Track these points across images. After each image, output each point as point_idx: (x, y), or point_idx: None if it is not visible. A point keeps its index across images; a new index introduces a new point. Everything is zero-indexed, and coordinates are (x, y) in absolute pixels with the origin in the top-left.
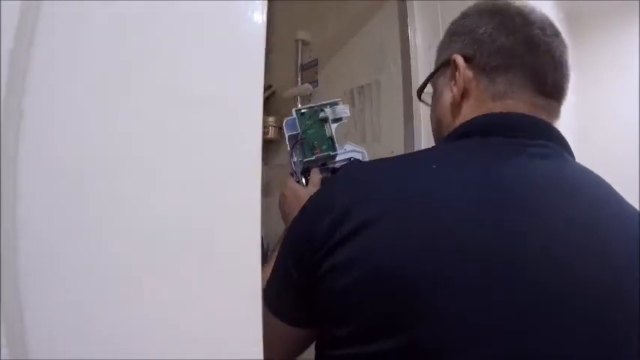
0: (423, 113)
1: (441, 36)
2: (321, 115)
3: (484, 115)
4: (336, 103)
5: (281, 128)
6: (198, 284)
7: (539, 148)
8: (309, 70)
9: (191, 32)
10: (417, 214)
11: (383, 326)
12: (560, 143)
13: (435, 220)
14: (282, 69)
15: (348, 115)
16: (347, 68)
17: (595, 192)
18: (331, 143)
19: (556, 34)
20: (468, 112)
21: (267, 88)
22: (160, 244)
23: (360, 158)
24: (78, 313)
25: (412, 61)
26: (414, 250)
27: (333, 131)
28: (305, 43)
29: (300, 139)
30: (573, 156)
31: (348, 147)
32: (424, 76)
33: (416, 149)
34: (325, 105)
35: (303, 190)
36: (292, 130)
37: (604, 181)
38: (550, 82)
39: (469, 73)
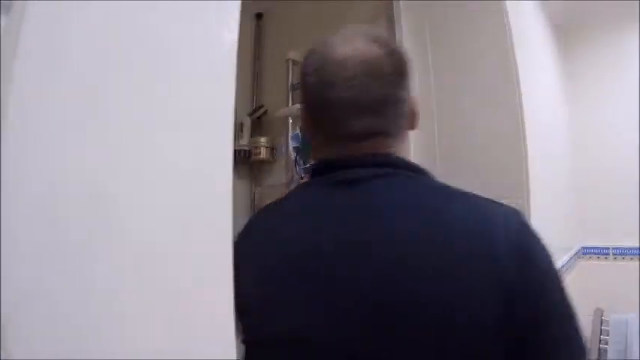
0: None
1: (430, 55)
2: None
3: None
4: None
5: (273, 149)
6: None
7: (353, 174)
8: (299, 91)
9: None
10: (262, 252)
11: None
12: (396, 166)
13: (274, 255)
14: (274, 89)
15: None
16: None
17: (431, 206)
18: None
19: (357, 74)
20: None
21: (258, 108)
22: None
23: None
24: None
25: None
26: (257, 279)
27: None
28: (295, 62)
29: (300, 150)
30: (421, 173)
31: None
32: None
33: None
34: None
35: None
36: (296, 143)
37: (454, 192)
38: (351, 131)
39: None
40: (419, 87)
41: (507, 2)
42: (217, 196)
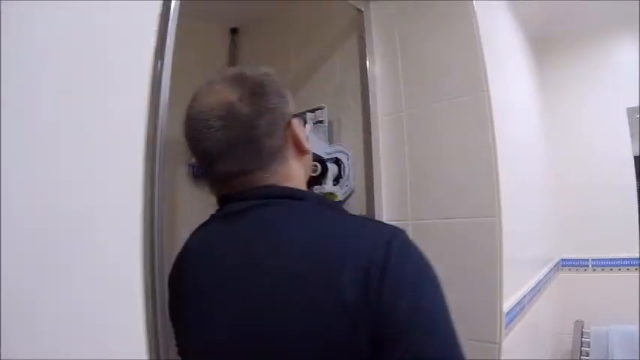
0: (382, 149)
1: (400, 67)
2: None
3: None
4: (320, 108)
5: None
6: None
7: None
8: None
9: None
10: (177, 276)
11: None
12: (274, 196)
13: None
14: None
15: (324, 118)
16: (310, 106)
17: (286, 230)
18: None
19: (215, 118)
20: None
21: None
22: None
23: (345, 159)
24: None
25: (371, 98)
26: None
27: (307, 133)
28: None
29: None
30: (301, 199)
31: (337, 147)
32: (384, 113)
33: (375, 183)
34: (311, 110)
35: None
36: None
37: (323, 218)
38: (225, 172)
39: None
40: (390, 98)
41: (478, 14)
42: None
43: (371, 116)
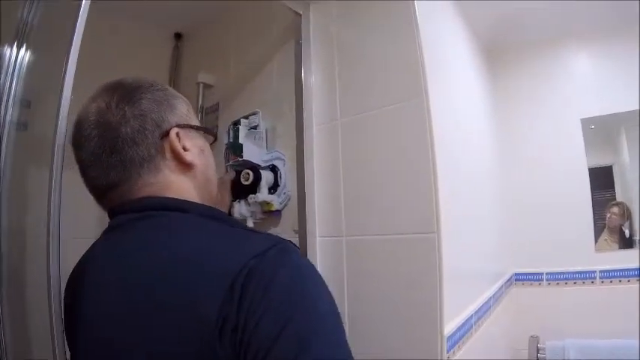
0: (316, 160)
1: (337, 78)
2: (238, 126)
3: None
4: (254, 113)
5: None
6: None
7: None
8: (211, 115)
9: None
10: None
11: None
12: (152, 208)
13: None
14: None
15: (258, 123)
16: (248, 113)
17: (155, 249)
18: (240, 150)
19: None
20: None
21: None
22: None
23: (281, 165)
24: None
25: (305, 106)
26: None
27: (241, 139)
28: (206, 86)
29: (225, 150)
30: (178, 210)
31: (275, 154)
32: (318, 121)
33: (307, 196)
34: (245, 117)
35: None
36: (227, 140)
37: (190, 231)
38: (98, 185)
39: None
40: (325, 106)
41: (421, 21)
42: None
43: (304, 125)
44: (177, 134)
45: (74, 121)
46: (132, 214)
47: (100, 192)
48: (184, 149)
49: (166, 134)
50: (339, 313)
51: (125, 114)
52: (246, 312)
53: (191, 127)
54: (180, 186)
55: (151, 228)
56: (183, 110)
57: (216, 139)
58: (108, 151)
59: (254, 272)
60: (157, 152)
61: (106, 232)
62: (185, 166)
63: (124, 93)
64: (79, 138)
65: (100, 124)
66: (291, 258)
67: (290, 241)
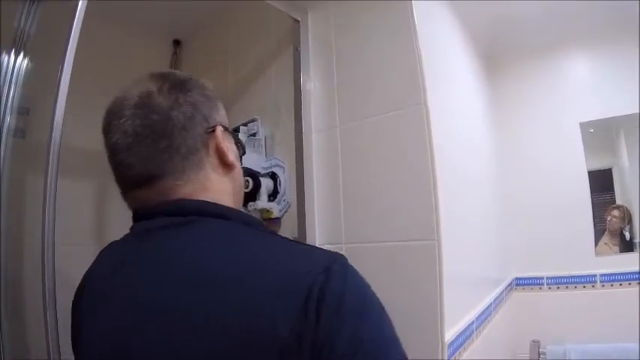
0: (315, 168)
1: (336, 85)
2: (237, 133)
3: None
4: (253, 120)
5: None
6: None
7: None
8: None
9: None
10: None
11: None
12: (188, 213)
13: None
14: None
15: (257, 130)
16: (246, 120)
17: (205, 263)
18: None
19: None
20: None
21: None
22: None
23: (281, 172)
24: None
25: (304, 113)
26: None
27: (239, 153)
28: None
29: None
30: (223, 217)
31: (274, 161)
32: (317, 128)
33: (307, 204)
34: (245, 124)
35: None
36: None
37: (245, 244)
38: (131, 176)
39: None
40: (324, 113)
41: (419, 27)
42: None
43: (303, 132)
44: (222, 133)
45: (109, 107)
46: (168, 219)
47: (135, 184)
48: (227, 149)
49: (213, 130)
50: (397, 335)
51: (178, 99)
52: (323, 330)
53: (230, 132)
54: (219, 187)
55: (197, 237)
56: (224, 114)
57: (244, 152)
58: (156, 134)
59: (325, 289)
60: (203, 146)
61: (133, 238)
62: (226, 166)
63: (177, 81)
64: (113, 121)
65: (147, 105)
66: (355, 275)
67: (342, 254)
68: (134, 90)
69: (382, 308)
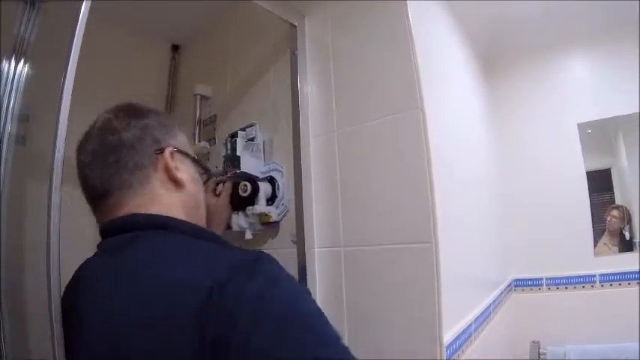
0: (313, 172)
1: (334, 90)
2: (235, 138)
3: None
4: (252, 125)
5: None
6: None
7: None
8: (209, 127)
9: None
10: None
11: None
12: (141, 228)
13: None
14: (184, 124)
15: (255, 135)
16: (244, 125)
17: (143, 271)
18: (238, 162)
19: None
20: None
21: None
22: None
23: (280, 177)
24: None
25: (302, 118)
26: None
27: (238, 151)
28: (204, 97)
29: (223, 162)
30: (165, 228)
31: (272, 165)
32: (315, 133)
33: (305, 208)
34: (243, 129)
35: (211, 199)
36: (224, 152)
37: (173, 252)
38: (91, 190)
39: None
40: (321, 118)
41: (415, 31)
42: None
43: (301, 137)
44: (172, 154)
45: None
46: (120, 237)
47: (95, 197)
48: (176, 169)
49: (162, 151)
50: (320, 311)
51: (130, 123)
52: (226, 321)
53: (187, 155)
54: (168, 202)
55: (136, 251)
56: (184, 140)
57: (209, 177)
58: (107, 151)
59: (229, 283)
60: (150, 163)
61: (98, 254)
62: (174, 182)
63: (133, 110)
64: (82, 142)
65: (105, 129)
66: (270, 267)
67: (269, 255)
68: (102, 116)
69: (297, 295)
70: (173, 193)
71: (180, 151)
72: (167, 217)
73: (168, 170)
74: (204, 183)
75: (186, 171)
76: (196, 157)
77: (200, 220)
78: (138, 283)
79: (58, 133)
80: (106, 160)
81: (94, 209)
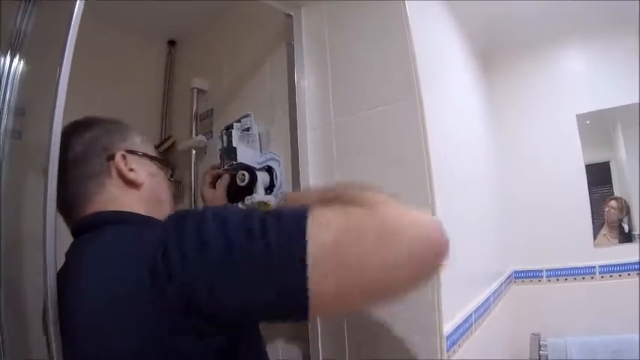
0: (310, 163)
1: (330, 80)
2: (230, 130)
3: None
4: (246, 116)
5: (179, 182)
6: None
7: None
8: (206, 121)
9: None
10: None
11: None
12: (102, 224)
13: None
14: (183, 120)
15: (250, 125)
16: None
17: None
18: (234, 154)
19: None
20: None
21: (166, 139)
22: None
23: (277, 165)
24: None
25: (299, 110)
26: None
27: (234, 143)
28: (200, 91)
29: (220, 156)
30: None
31: (269, 155)
32: (312, 124)
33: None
34: (238, 120)
35: (208, 192)
36: (220, 145)
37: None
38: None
39: None
40: (319, 108)
41: (412, 22)
42: None
43: (298, 128)
44: (124, 157)
45: None
46: (83, 236)
47: (64, 210)
48: (130, 170)
49: (112, 157)
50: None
51: (79, 138)
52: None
53: (140, 154)
54: (128, 200)
55: (92, 248)
56: (137, 141)
57: (173, 170)
58: (63, 167)
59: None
60: (102, 171)
61: (69, 252)
62: (129, 183)
63: (82, 124)
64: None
65: (64, 145)
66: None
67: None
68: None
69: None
70: (131, 193)
71: (133, 152)
72: (120, 212)
73: (120, 173)
74: (170, 177)
75: (142, 169)
76: (155, 154)
77: (163, 213)
78: (98, 269)
79: (54, 127)
80: (65, 176)
81: (66, 221)
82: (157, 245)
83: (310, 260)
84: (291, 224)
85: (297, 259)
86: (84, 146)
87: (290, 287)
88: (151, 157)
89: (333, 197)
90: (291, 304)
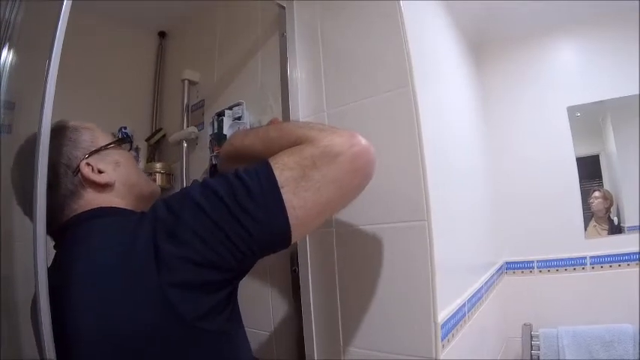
0: None
1: (323, 70)
2: (222, 117)
3: None
4: (238, 104)
5: (170, 175)
6: None
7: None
8: (197, 112)
9: None
10: None
11: None
12: (82, 220)
13: None
14: (174, 111)
15: (242, 114)
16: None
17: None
18: (224, 140)
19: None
20: None
21: (156, 132)
22: None
23: None
24: None
25: (291, 99)
26: None
27: (225, 130)
28: (192, 82)
29: (210, 141)
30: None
31: None
32: (304, 114)
33: None
34: (229, 107)
35: None
36: (211, 130)
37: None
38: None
39: None
40: (311, 98)
41: (405, 11)
42: None
43: (291, 117)
44: (88, 164)
45: None
46: (73, 229)
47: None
48: (100, 172)
49: (78, 170)
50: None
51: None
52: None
53: (98, 150)
54: (106, 199)
55: (77, 242)
56: (87, 139)
57: (131, 143)
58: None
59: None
60: (75, 186)
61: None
62: (103, 187)
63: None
64: None
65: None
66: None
67: None
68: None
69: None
70: (106, 192)
71: (91, 154)
72: (101, 208)
73: (93, 181)
74: (129, 149)
75: (108, 165)
76: (106, 139)
77: (142, 194)
78: (97, 256)
79: (43, 121)
80: (50, 199)
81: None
82: (154, 214)
83: (282, 189)
84: (261, 170)
85: (275, 190)
86: (49, 172)
87: (274, 208)
88: (106, 147)
89: (277, 137)
90: (276, 221)
